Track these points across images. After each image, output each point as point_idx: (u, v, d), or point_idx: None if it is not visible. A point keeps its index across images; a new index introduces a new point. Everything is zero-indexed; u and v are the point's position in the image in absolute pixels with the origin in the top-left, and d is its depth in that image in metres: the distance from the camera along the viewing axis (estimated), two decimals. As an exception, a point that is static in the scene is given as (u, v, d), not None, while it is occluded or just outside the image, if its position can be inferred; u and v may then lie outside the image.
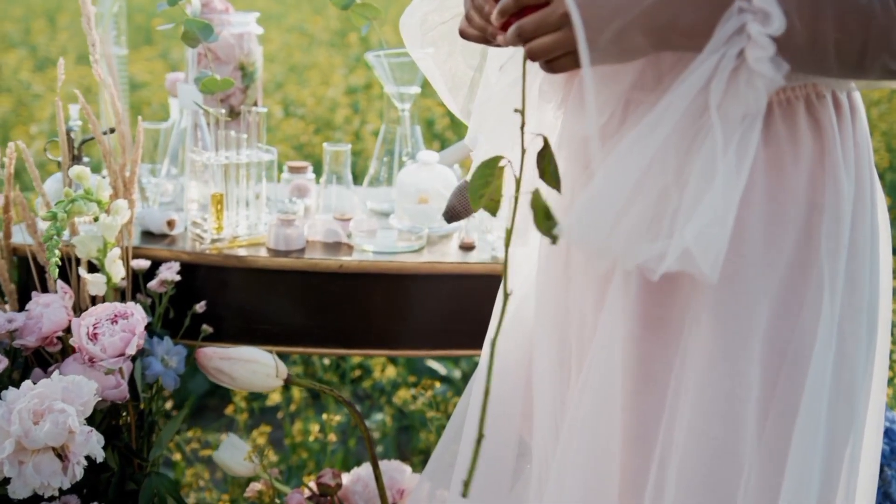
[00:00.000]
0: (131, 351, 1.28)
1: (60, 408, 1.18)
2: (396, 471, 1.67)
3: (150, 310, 1.47)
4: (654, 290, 1.00)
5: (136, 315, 1.31)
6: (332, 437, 1.94)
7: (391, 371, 2.38)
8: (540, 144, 0.94)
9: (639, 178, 0.89)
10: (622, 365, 1.01)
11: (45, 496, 1.18)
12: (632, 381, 1.02)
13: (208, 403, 2.64)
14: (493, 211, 0.92)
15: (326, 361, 2.50)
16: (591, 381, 1.03)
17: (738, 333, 0.96)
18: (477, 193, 0.89)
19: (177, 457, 2.07)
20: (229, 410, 2.15)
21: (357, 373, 2.56)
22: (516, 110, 0.91)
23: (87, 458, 1.22)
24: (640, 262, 0.90)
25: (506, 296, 0.95)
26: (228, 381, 1.44)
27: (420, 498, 1.44)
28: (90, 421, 1.34)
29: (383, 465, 1.67)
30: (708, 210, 0.87)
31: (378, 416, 2.44)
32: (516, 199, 0.90)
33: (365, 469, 1.65)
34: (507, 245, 0.91)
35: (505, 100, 1.07)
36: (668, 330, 1.01)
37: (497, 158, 0.92)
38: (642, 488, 1.02)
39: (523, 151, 0.90)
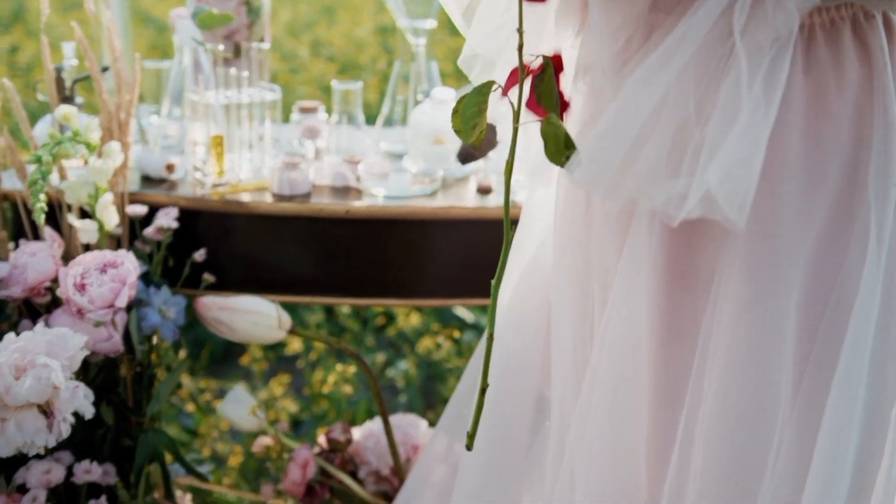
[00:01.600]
0: (121, 303, 1.21)
1: (43, 362, 1.11)
2: (411, 426, 1.60)
3: (148, 258, 1.40)
4: (681, 235, 0.92)
5: (128, 264, 1.24)
6: (348, 388, 1.87)
7: (415, 319, 2.30)
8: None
9: (653, 111, 0.82)
10: (647, 316, 0.93)
11: (31, 454, 1.12)
12: (658, 333, 0.95)
13: (232, 351, 2.59)
14: (476, 144, 0.82)
15: (346, 309, 2.44)
16: (612, 332, 0.96)
17: (772, 284, 0.88)
18: (469, 124, 0.80)
19: (190, 408, 2.02)
20: (245, 360, 2.09)
21: (381, 321, 2.49)
22: (518, 30, 0.81)
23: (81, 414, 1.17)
24: (659, 204, 0.81)
25: (507, 236, 0.86)
26: (228, 333, 1.38)
27: (437, 452, 1.39)
28: (84, 375, 1.29)
29: (397, 419, 1.60)
30: (733, 149, 0.78)
31: (403, 365, 2.37)
32: (515, 129, 0.81)
33: (377, 424, 1.58)
34: (507, 178, 0.82)
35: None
36: (697, 279, 0.93)
37: (490, 83, 0.82)
38: (669, 447, 0.95)
39: (522, 77, 0.80)
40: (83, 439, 1.29)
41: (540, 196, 1.14)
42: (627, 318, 0.94)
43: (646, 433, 0.97)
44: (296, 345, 2.17)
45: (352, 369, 1.84)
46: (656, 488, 0.97)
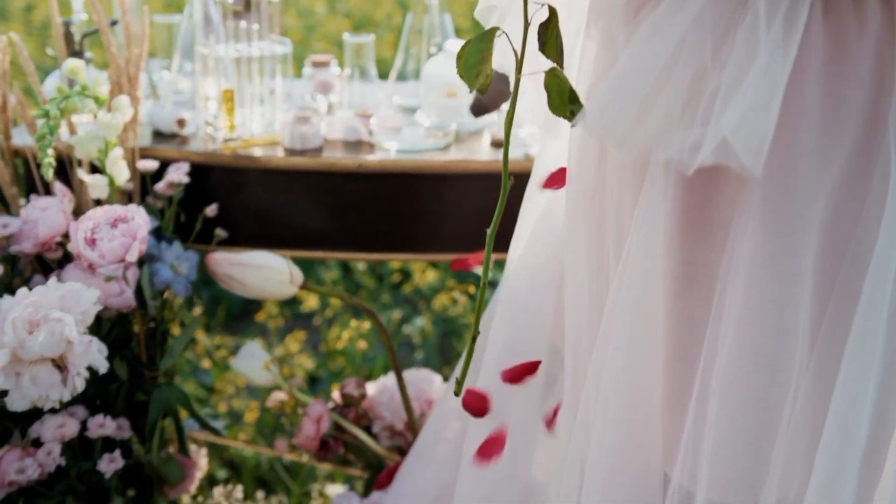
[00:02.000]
0: (131, 257, 1.21)
1: (57, 317, 1.11)
2: (425, 381, 1.59)
3: (159, 214, 1.40)
4: (697, 185, 0.89)
5: (138, 219, 1.23)
6: (363, 344, 1.87)
7: (431, 275, 2.30)
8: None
9: (668, 59, 0.79)
10: (663, 267, 0.92)
11: (45, 408, 1.12)
12: (673, 284, 0.93)
13: (249, 308, 2.60)
14: (483, 90, 0.80)
15: (362, 266, 2.43)
16: (628, 284, 0.94)
17: (790, 234, 0.85)
18: (472, 71, 0.78)
19: (207, 364, 2.03)
20: (261, 317, 2.10)
21: (397, 277, 2.49)
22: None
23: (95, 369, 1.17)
24: (674, 152, 0.80)
25: (505, 184, 0.84)
26: (240, 288, 1.37)
27: (451, 407, 1.38)
28: (97, 330, 1.29)
29: (411, 374, 1.60)
30: (749, 93, 0.75)
31: (419, 322, 2.37)
32: (517, 80, 0.79)
33: (391, 379, 1.58)
34: (507, 129, 0.81)
35: None
36: (713, 230, 0.91)
37: (494, 30, 0.80)
38: (686, 399, 0.94)
39: (526, 25, 0.78)
40: (97, 394, 1.30)
41: (552, 148, 1.12)
42: (643, 269, 0.92)
43: (662, 385, 0.96)
44: (312, 302, 2.17)
45: (367, 325, 1.84)
46: (673, 441, 0.96)
